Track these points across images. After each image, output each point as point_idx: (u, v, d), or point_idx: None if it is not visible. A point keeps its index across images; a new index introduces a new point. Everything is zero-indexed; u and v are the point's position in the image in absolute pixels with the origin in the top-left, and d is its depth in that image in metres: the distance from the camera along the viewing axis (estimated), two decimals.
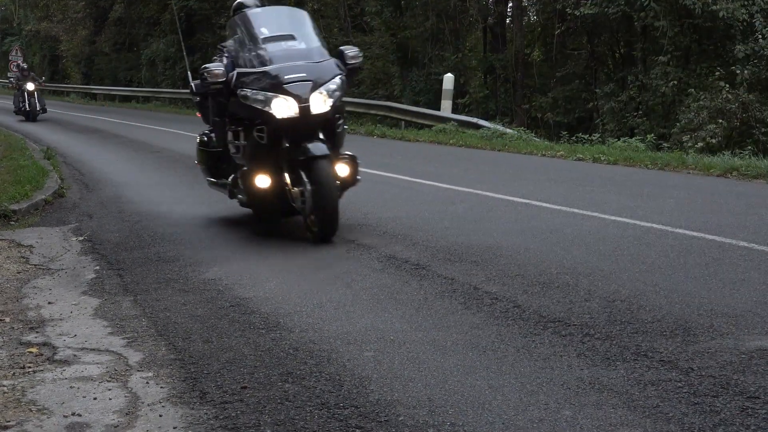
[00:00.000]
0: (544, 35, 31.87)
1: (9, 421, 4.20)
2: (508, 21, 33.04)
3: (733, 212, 9.39)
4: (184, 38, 44.04)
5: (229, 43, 9.08)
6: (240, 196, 8.91)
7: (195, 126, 25.93)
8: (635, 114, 23.03)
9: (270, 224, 9.23)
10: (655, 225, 8.47)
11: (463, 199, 10.66)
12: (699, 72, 22.21)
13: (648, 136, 19.35)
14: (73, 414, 4.29)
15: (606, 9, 23.30)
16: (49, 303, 6.45)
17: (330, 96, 8.28)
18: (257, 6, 9.33)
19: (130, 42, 52.12)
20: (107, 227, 9.53)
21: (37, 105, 30.09)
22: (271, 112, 8.12)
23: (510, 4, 32.17)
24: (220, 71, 8.47)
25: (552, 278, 6.51)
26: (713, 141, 19.06)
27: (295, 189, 8.21)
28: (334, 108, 8.36)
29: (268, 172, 8.34)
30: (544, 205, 9.96)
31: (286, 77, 8.20)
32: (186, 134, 22.70)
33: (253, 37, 8.65)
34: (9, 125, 26.54)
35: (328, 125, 8.41)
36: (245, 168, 8.56)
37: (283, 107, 8.12)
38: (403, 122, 25.26)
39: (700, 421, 3.93)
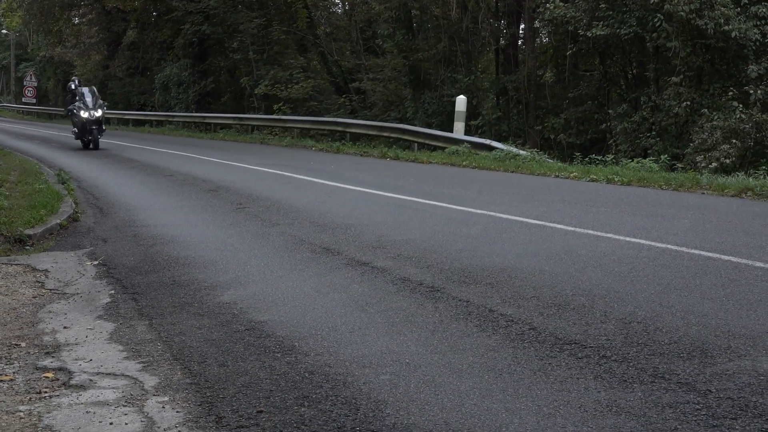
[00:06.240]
0: (557, 56, 31.95)
1: None
2: (520, 43, 33.16)
3: (749, 232, 9.36)
4: (196, 62, 44.50)
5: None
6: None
7: (208, 150, 26.10)
8: (648, 134, 23.02)
9: (285, 249, 9.25)
10: (670, 246, 8.45)
11: (477, 221, 10.65)
12: (712, 92, 22.20)
13: (662, 156, 19.34)
14: None
15: (618, 30, 23.35)
16: (65, 327, 6.45)
17: None
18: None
19: (144, 66, 52.46)
20: (122, 251, 9.54)
21: None
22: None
23: (522, 26, 32.29)
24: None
25: (567, 300, 6.48)
26: (727, 161, 19.05)
27: None
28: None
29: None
30: (558, 226, 9.94)
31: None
32: (199, 158, 22.78)
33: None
34: (24, 149, 26.68)
35: None
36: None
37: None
38: (416, 144, 25.32)
39: None
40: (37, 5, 55.90)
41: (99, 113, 27.47)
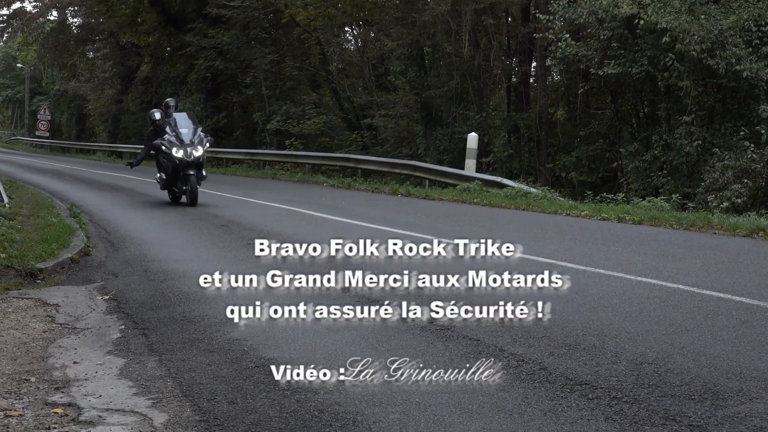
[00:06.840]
0: (568, 94, 31.99)
1: None
2: (531, 80, 33.25)
3: (760, 273, 9.33)
4: (209, 97, 44.70)
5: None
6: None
7: (217, 185, 26.17)
8: (660, 173, 23.00)
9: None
10: (681, 286, 8.42)
11: None
12: (723, 132, 22.19)
13: (673, 195, 19.32)
14: None
15: (629, 69, 23.40)
16: (75, 363, 6.45)
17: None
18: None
19: (157, 101, 52.59)
20: (132, 286, 9.55)
21: None
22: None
23: (534, 64, 32.40)
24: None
25: (578, 340, 6.46)
26: (739, 201, 19.01)
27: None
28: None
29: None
30: (569, 265, 9.92)
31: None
32: (210, 192, 22.83)
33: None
34: (36, 183, 26.77)
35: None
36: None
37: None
38: (427, 181, 25.36)
39: None
40: (52, 40, 56.47)
41: (200, 152, 18.40)
